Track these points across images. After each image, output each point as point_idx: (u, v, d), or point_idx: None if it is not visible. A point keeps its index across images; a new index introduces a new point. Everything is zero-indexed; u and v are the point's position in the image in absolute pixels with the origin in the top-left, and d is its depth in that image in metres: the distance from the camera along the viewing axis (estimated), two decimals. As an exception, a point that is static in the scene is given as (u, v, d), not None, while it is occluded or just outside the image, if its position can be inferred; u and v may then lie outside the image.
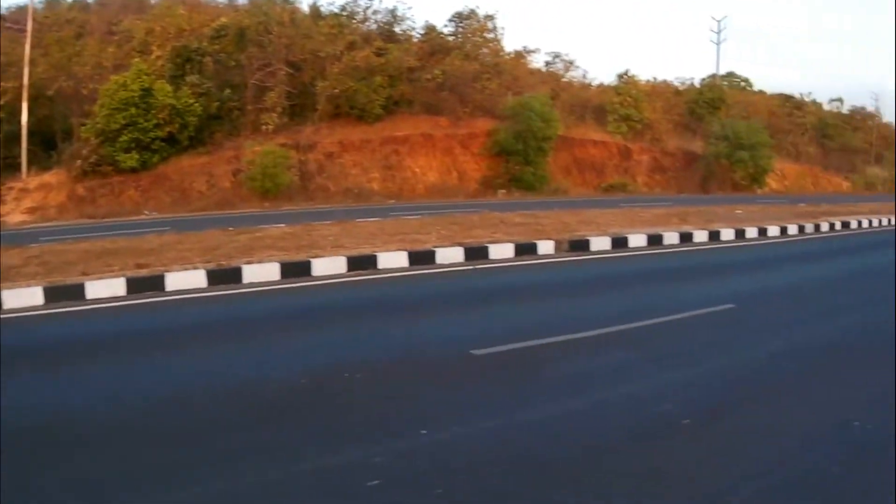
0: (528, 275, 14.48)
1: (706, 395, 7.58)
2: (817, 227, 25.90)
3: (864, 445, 6.40)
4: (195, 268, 12.66)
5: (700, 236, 20.52)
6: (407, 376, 7.81)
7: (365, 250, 14.32)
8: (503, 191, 43.68)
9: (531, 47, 58.34)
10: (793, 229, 24.38)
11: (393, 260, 14.02)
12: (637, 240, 18.58)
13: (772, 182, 59.54)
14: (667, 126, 60.55)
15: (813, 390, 7.97)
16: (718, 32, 73.49)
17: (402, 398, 7.10)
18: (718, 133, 54.61)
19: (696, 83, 72.47)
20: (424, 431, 6.14)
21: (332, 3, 49.02)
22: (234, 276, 12.68)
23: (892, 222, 32.05)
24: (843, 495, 5.41)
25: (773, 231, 23.35)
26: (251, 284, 12.42)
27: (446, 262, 14.57)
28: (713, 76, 76.80)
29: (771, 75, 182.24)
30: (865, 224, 29.49)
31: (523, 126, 43.99)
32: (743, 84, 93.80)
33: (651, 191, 51.95)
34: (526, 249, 16.12)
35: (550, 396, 7.24)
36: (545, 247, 16.50)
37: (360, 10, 49.59)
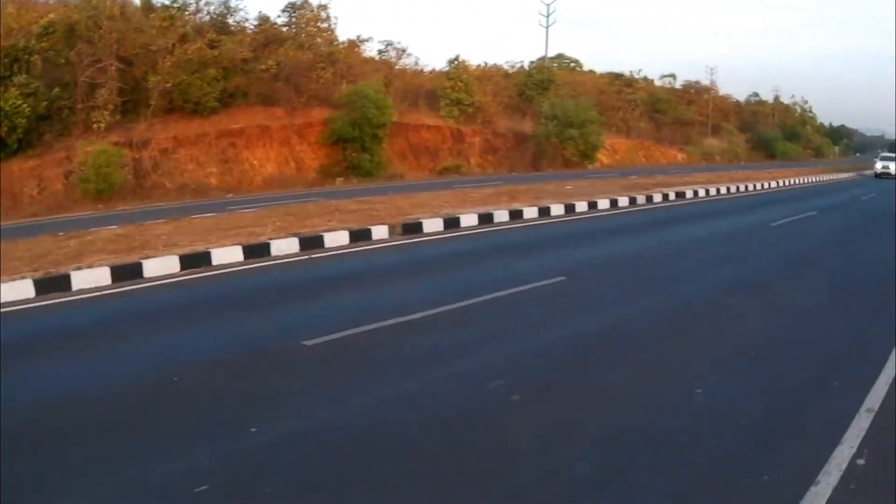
0: (362, 261, 14.39)
1: (536, 370, 7.69)
2: (649, 199, 26.75)
3: (706, 415, 6.58)
4: (22, 277, 11.97)
5: (530, 213, 20.83)
6: (237, 374, 7.58)
7: (198, 247, 13.86)
8: (341, 179, 43.39)
9: (364, 36, 58.08)
10: (623, 201, 25.11)
11: (227, 255, 13.65)
12: (469, 219, 18.70)
13: (603, 157, 61.13)
14: (498, 108, 61.57)
15: (647, 360, 8.18)
16: (547, 16, 74.38)
17: (231, 397, 6.89)
18: (548, 113, 56.00)
19: (527, 66, 73.40)
20: (254, 429, 5.98)
21: (163, -4, 47.59)
22: (62, 283, 11.93)
23: (730, 190, 33.15)
24: (689, 468, 5.52)
25: (604, 204, 23.98)
26: (81, 291, 11.75)
27: (281, 253, 14.30)
28: (543, 58, 77.76)
29: (603, 55, 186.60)
30: (702, 193, 30.36)
31: (358, 114, 43.94)
32: (573, 65, 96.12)
33: (484, 171, 52.62)
34: (361, 236, 16.01)
35: (382, 380, 7.22)
36: (379, 232, 16.42)
37: (192, 1, 48.27)
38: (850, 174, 63.19)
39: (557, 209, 21.80)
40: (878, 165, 62.18)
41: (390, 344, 8.47)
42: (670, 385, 7.29)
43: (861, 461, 5.56)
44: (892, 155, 66.33)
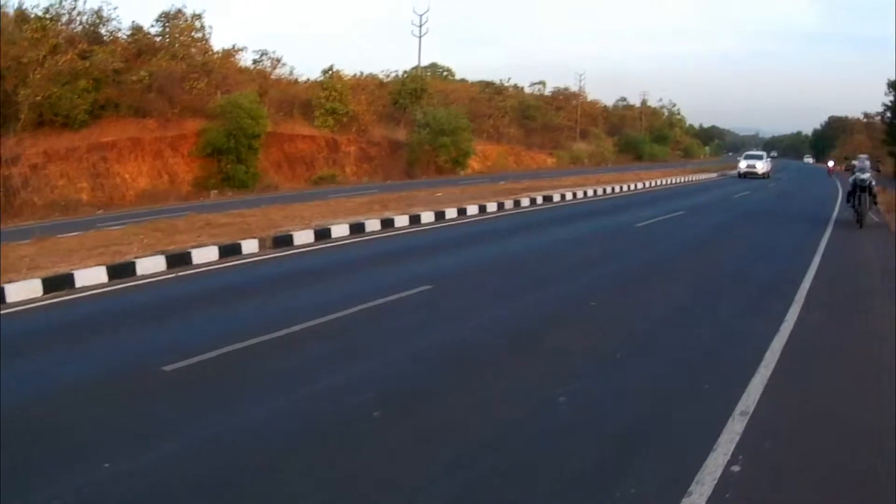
0: (230, 277, 13.92)
1: (399, 384, 7.53)
2: (517, 203, 26.98)
3: (569, 423, 6.49)
4: None
5: (401, 221, 20.70)
6: (90, 405, 7.06)
7: (62, 269, 13.09)
8: (216, 191, 42.72)
9: (239, 45, 57.39)
10: (492, 207, 25.22)
11: (91, 276, 12.94)
12: (340, 230, 18.47)
13: (475, 164, 61.75)
14: (372, 117, 61.78)
15: (512, 367, 8.11)
16: (420, 26, 74.59)
17: (82, 430, 6.40)
18: (421, 121, 56.52)
19: (402, 75, 73.26)
20: (107, 464, 5.57)
21: (36, 6, 46.21)
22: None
23: (597, 193, 33.68)
24: (550, 482, 5.34)
25: (473, 210, 24.03)
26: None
27: (147, 273, 13.66)
28: (416, 68, 77.94)
29: (475, 64, 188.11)
30: (569, 196, 30.76)
31: (233, 124, 43.44)
32: (446, 74, 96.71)
33: (360, 180, 52.51)
34: (230, 251, 15.54)
35: (242, 404, 6.94)
36: (249, 246, 16.01)
37: (64, 12, 46.53)
38: (715, 174, 63.61)
39: (428, 217, 21.79)
40: (742, 165, 60.41)
41: (254, 363, 8.16)
42: (534, 393, 7.18)
43: (736, 468, 5.47)
44: (758, 153, 68.66)
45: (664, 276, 14.06)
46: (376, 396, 6.95)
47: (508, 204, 26.31)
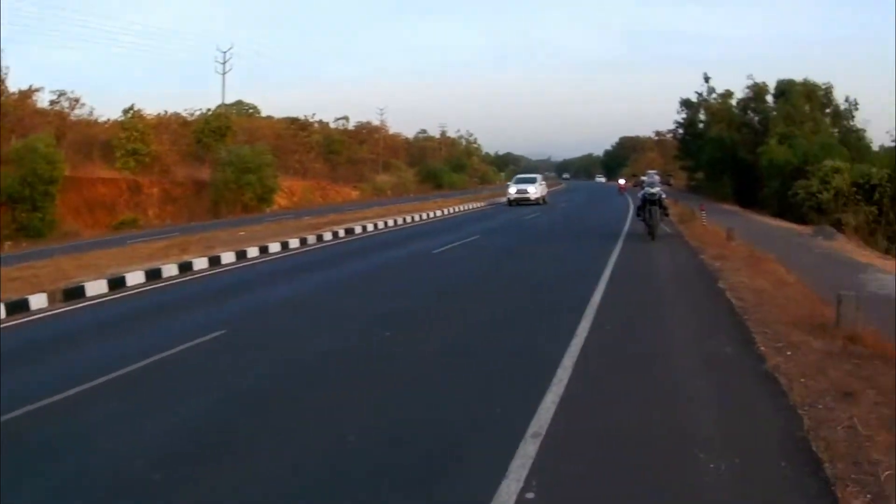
0: (13, 337, 12.61)
1: (182, 443, 6.99)
2: (320, 238, 26.57)
3: (357, 462, 6.22)
4: None
5: (200, 263, 19.95)
6: None
7: None
8: (10, 243, 39.62)
9: (36, 86, 54.73)
10: (295, 243, 24.71)
11: None
12: (135, 277, 17.53)
13: (281, 200, 60.87)
14: (176, 157, 60.14)
15: (299, 410, 7.77)
16: (224, 63, 73.13)
17: None
18: (225, 159, 54.84)
19: (206, 113, 71.76)
20: None
21: None
22: None
23: (397, 222, 33.76)
24: None
25: (275, 247, 23.47)
26: None
27: None
28: (222, 105, 76.60)
29: (280, 101, 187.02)
30: (370, 228, 30.65)
31: (28, 170, 40.87)
32: (251, 111, 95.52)
33: (163, 222, 50.26)
34: (17, 307, 14.33)
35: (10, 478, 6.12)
36: (38, 301, 14.85)
37: None
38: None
39: (229, 257, 21.12)
40: (512, 190, 52.14)
41: (27, 432, 7.35)
42: (322, 434, 6.91)
43: (530, 495, 5.33)
44: (531, 175, 60.80)
45: (456, 303, 14.02)
46: (157, 461, 6.40)
47: (311, 239, 25.97)
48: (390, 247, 24.64)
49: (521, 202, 49.41)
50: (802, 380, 8.10)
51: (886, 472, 5.48)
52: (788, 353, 9.32)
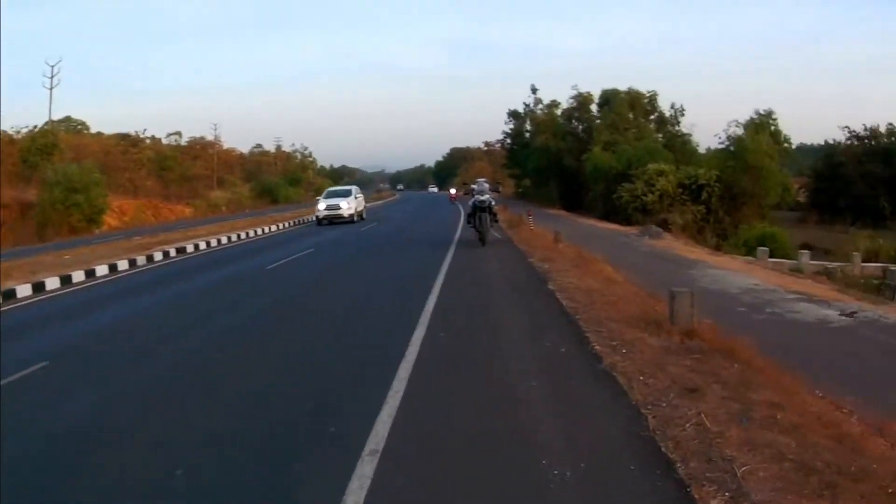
0: None
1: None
2: (150, 258, 25.41)
3: (186, 499, 5.76)
4: None
5: (24, 290, 18.60)
6: None
7: None
8: None
9: None
10: (124, 265, 23.51)
11: None
12: (-51, 308, 16.15)
13: (111, 220, 58.23)
14: (2, 178, 56.29)
15: (127, 445, 7.14)
16: (52, 77, 69.73)
17: None
18: (51, 179, 51.92)
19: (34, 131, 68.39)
20: None
21: None
22: None
23: (231, 239, 32.84)
24: None
25: (102, 270, 22.29)
26: None
27: None
28: (50, 122, 73.42)
29: (112, 116, 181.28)
30: (203, 246, 29.65)
31: None
32: (80, 127, 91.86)
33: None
34: None
35: None
36: None
37: None
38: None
39: (53, 283, 19.81)
40: (321, 206, 44.10)
41: None
42: (150, 469, 6.37)
43: None
44: (345, 188, 53.29)
45: (289, 318, 13.68)
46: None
47: (141, 260, 24.82)
48: (224, 264, 23.88)
49: (334, 220, 42.72)
50: (641, 377, 8.09)
51: (743, 468, 5.40)
52: (624, 350, 9.34)
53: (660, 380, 7.96)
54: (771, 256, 34.33)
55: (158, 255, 26.13)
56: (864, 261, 35.10)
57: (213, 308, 15.23)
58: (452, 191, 75.13)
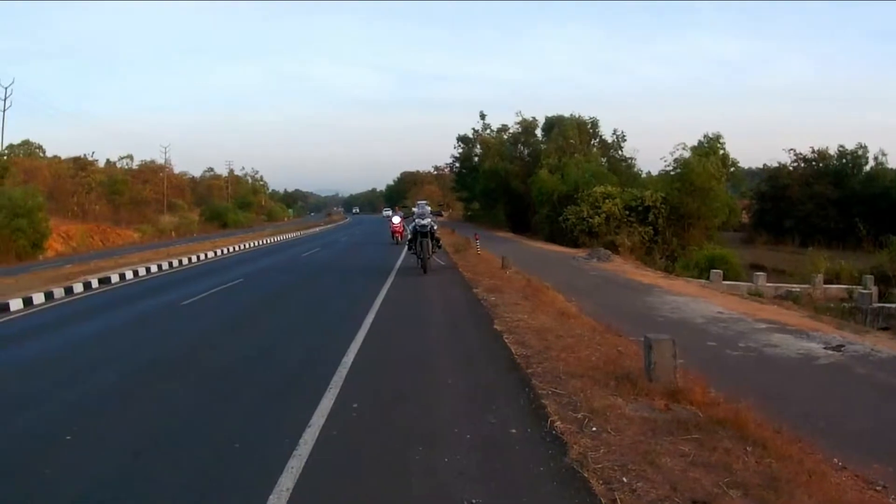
0: None
1: None
2: (69, 290, 22.26)
3: None
4: None
5: None
6: None
7: None
8: None
9: None
10: (39, 298, 20.37)
11: None
12: None
13: (58, 245, 54.48)
14: None
15: None
16: (4, 100, 65.85)
17: None
18: None
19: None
20: None
21: None
22: None
23: (162, 267, 29.87)
24: None
25: (16, 304, 19.11)
26: None
27: None
28: (10, 146, 70.09)
29: (68, 140, 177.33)
30: (130, 275, 26.55)
31: None
32: (37, 150, 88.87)
33: None
34: None
35: None
36: None
37: None
38: (295, 234, 61.95)
39: None
40: None
41: None
42: None
43: None
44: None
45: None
46: None
47: (58, 292, 21.63)
48: (139, 298, 20.75)
49: None
50: (625, 479, 5.68)
51: None
52: (594, 428, 6.82)
53: (653, 484, 5.50)
54: (724, 279, 32.24)
55: (78, 287, 22.92)
56: (825, 282, 33.13)
57: (101, 356, 12.25)
58: (395, 219, 47.17)
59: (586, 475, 5.76)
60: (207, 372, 10.71)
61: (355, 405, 8.28)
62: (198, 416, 8.35)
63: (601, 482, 5.60)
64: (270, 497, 5.72)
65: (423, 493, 5.80)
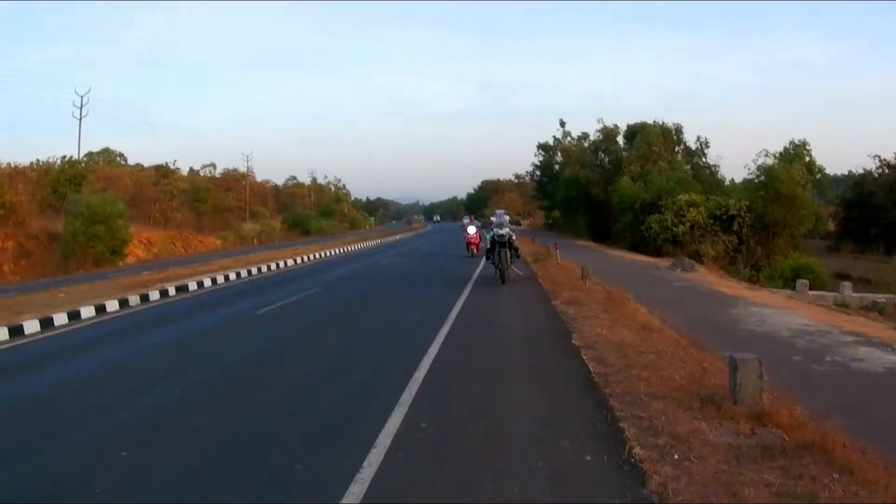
0: None
1: None
2: (145, 298, 22.32)
3: None
4: None
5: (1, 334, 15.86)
6: None
7: None
8: None
9: None
10: (114, 305, 20.48)
11: None
12: None
13: (139, 251, 55.32)
14: (32, 208, 53.53)
15: None
16: (81, 107, 67.11)
17: None
18: (74, 210, 48.92)
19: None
20: None
21: None
22: None
23: (240, 276, 29.92)
24: None
25: (88, 312, 19.24)
26: None
27: None
28: (89, 154, 71.46)
29: (150, 148, 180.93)
30: (208, 283, 26.65)
31: None
32: (119, 159, 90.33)
33: (23, 279, 43.72)
34: None
35: None
36: None
37: None
38: (376, 241, 62.08)
39: (32, 326, 16.82)
40: None
41: None
42: None
43: None
44: None
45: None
46: None
47: (134, 300, 21.75)
48: (215, 306, 20.74)
49: None
50: None
51: None
52: (676, 456, 6.26)
53: None
54: (809, 288, 31.17)
55: (154, 295, 23.06)
56: (908, 292, 31.88)
57: (166, 370, 11.97)
58: (471, 229, 39.83)
59: (667, 508, 5.28)
60: (274, 384, 10.45)
61: (424, 425, 7.86)
62: (261, 431, 8.04)
63: (682, 514, 5.12)
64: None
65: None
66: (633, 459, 6.37)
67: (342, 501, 5.80)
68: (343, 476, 6.32)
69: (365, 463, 6.66)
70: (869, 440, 6.89)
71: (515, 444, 7.19)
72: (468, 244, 39.08)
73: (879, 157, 72.39)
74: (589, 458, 6.62)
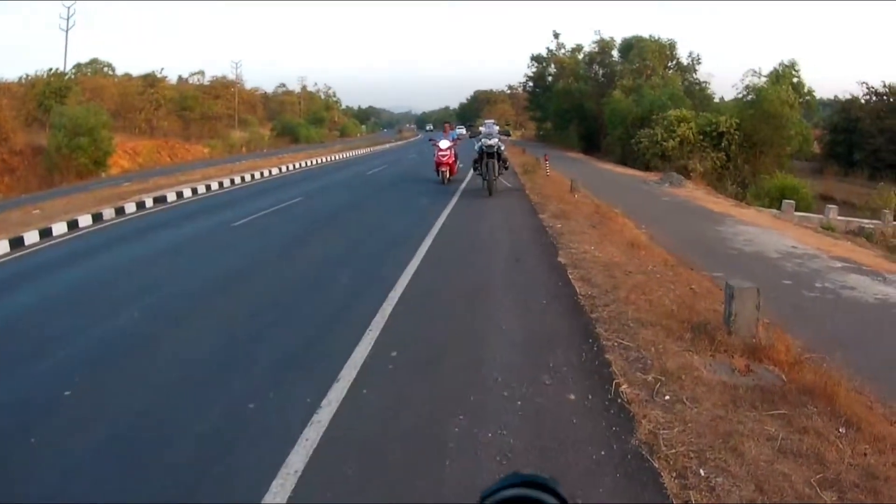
0: None
1: None
2: (120, 211, 21.54)
3: None
4: None
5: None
6: None
7: None
8: None
9: None
10: (86, 220, 19.67)
11: None
12: None
13: (124, 162, 54.07)
14: (17, 123, 52.00)
15: None
16: (67, 19, 65.71)
17: None
18: (57, 122, 47.61)
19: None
20: None
21: None
22: None
23: (223, 185, 29.09)
24: None
25: (60, 229, 18.47)
26: None
27: None
28: (78, 65, 69.99)
29: (138, 57, 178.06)
30: (188, 194, 25.81)
31: None
32: (106, 69, 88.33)
33: (5, 196, 42.40)
34: None
35: None
36: None
37: None
38: (365, 150, 61.10)
39: (1, 248, 15.99)
40: None
41: None
42: None
43: None
44: None
45: (222, 303, 9.91)
46: None
47: (108, 213, 20.91)
48: (189, 219, 19.90)
49: None
50: (703, 472, 4.55)
51: None
52: (667, 396, 5.68)
53: (735, 480, 4.46)
54: (795, 209, 30.76)
55: (130, 207, 22.14)
56: (894, 218, 31.40)
57: (129, 288, 11.39)
58: (443, 143, 27.66)
59: (657, 465, 4.68)
60: (239, 304, 9.86)
61: (394, 354, 7.27)
62: (220, 359, 7.50)
63: (674, 475, 4.52)
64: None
65: (455, 477, 4.79)
66: (620, 400, 5.78)
67: (295, 448, 5.22)
68: (303, 415, 5.78)
69: (324, 402, 6.07)
70: (868, 380, 6.64)
71: (491, 380, 6.54)
72: (438, 165, 27.49)
73: (867, 84, 71.43)
74: (572, 396, 6.00)
